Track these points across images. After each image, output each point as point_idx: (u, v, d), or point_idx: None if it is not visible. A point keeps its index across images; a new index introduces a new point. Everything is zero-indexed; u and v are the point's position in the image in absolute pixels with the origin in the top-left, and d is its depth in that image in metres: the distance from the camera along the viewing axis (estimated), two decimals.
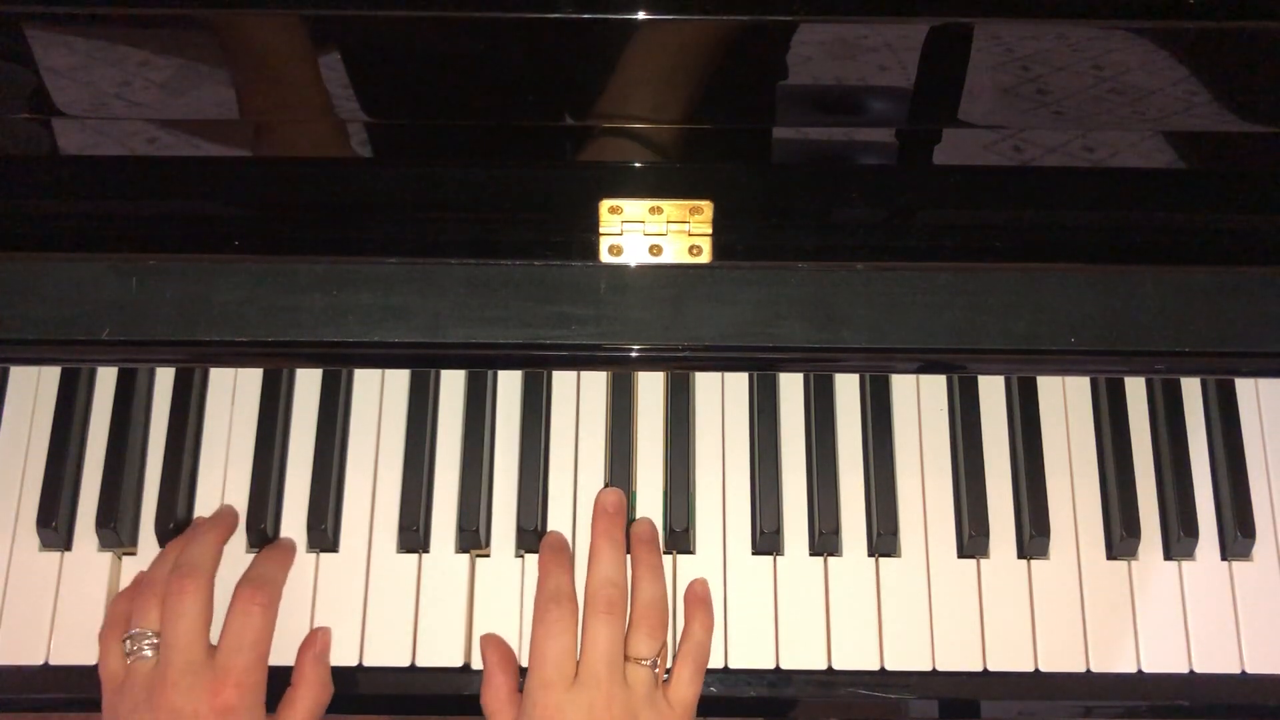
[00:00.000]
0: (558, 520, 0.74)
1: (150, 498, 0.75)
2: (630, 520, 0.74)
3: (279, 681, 0.69)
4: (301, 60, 0.65)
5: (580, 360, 0.70)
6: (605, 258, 0.69)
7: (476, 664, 0.72)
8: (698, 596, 0.72)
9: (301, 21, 0.63)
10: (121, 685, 0.67)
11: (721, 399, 0.77)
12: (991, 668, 0.72)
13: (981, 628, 0.73)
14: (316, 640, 0.71)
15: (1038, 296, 0.68)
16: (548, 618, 0.68)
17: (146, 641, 0.67)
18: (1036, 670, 0.72)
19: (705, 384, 0.77)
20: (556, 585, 0.70)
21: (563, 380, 0.77)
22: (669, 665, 0.70)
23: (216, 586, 0.69)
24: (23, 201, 0.71)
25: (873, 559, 0.74)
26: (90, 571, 0.74)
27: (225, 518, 0.74)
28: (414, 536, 0.73)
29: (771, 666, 0.72)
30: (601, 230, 0.69)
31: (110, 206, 0.71)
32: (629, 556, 0.72)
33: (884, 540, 0.73)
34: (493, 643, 0.72)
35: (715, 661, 0.72)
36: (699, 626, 0.71)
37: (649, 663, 0.68)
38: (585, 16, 0.61)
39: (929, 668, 0.72)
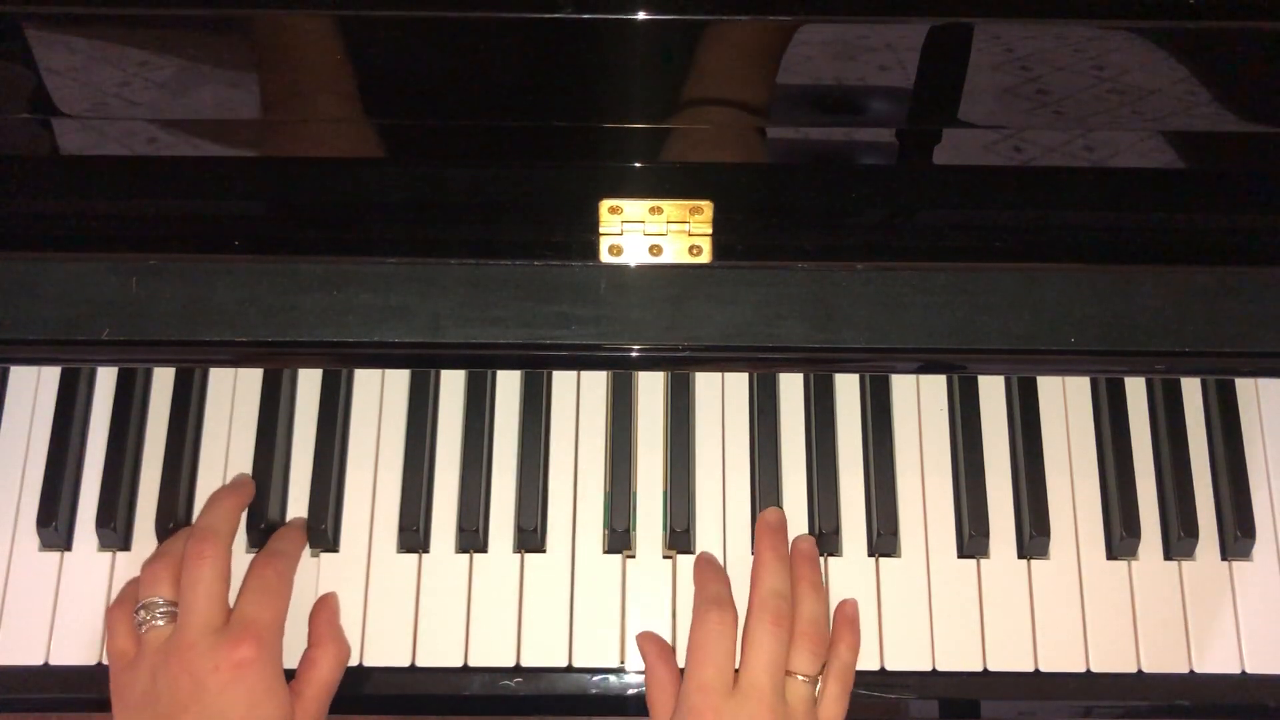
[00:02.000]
0: (557, 520, 0.74)
1: (150, 498, 0.75)
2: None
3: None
4: (302, 60, 0.65)
5: (580, 360, 0.70)
6: (605, 258, 0.69)
7: (476, 663, 0.72)
8: (847, 618, 0.72)
9: (302, 22, 0.63)
10: (133, 660, 0.66)
11: (721, 399, 0.77)
12: (991, 668, 0.72)
13: (981, 627, 0.73)
14: (327, 603, 0.72)
15: (1038, 296, 0.68)
16: (709, 619, 0.68)
17: (160, 610, 0.67)
18: (1036, 670, 0.72)
19: (705, 384, 0.77)
20: (717, 591, 0.70)
21: (563, 380, 0.77)
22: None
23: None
24: (23, 201, 0.71)
25: (873, 559, 0.74)
26: (90, 571, 0.74)
27: (243, 486, 0.73)
28: (414, 536, 0.73)
29: None
30: (601, 230, 0.69)
31: (110, 206, 0.71)
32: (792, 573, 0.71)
33: (884, 540, 0.73)
34: (649, 637, 0.71)
35: None
36: (845, 648, 0.70)
37: (809, 680, 0.67)
38: (585, 17, 0.61)
39: (929, 668, 0.72)
